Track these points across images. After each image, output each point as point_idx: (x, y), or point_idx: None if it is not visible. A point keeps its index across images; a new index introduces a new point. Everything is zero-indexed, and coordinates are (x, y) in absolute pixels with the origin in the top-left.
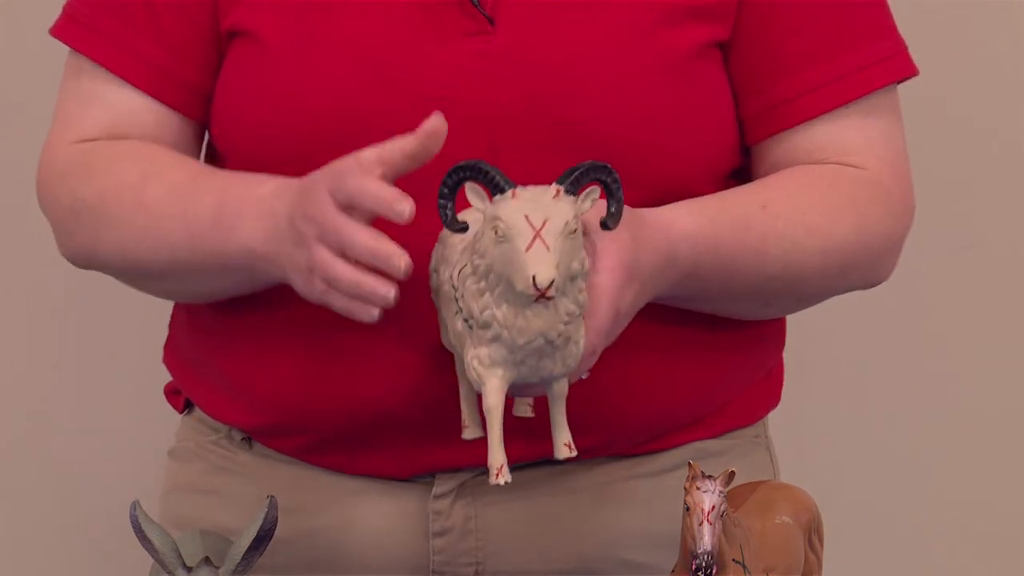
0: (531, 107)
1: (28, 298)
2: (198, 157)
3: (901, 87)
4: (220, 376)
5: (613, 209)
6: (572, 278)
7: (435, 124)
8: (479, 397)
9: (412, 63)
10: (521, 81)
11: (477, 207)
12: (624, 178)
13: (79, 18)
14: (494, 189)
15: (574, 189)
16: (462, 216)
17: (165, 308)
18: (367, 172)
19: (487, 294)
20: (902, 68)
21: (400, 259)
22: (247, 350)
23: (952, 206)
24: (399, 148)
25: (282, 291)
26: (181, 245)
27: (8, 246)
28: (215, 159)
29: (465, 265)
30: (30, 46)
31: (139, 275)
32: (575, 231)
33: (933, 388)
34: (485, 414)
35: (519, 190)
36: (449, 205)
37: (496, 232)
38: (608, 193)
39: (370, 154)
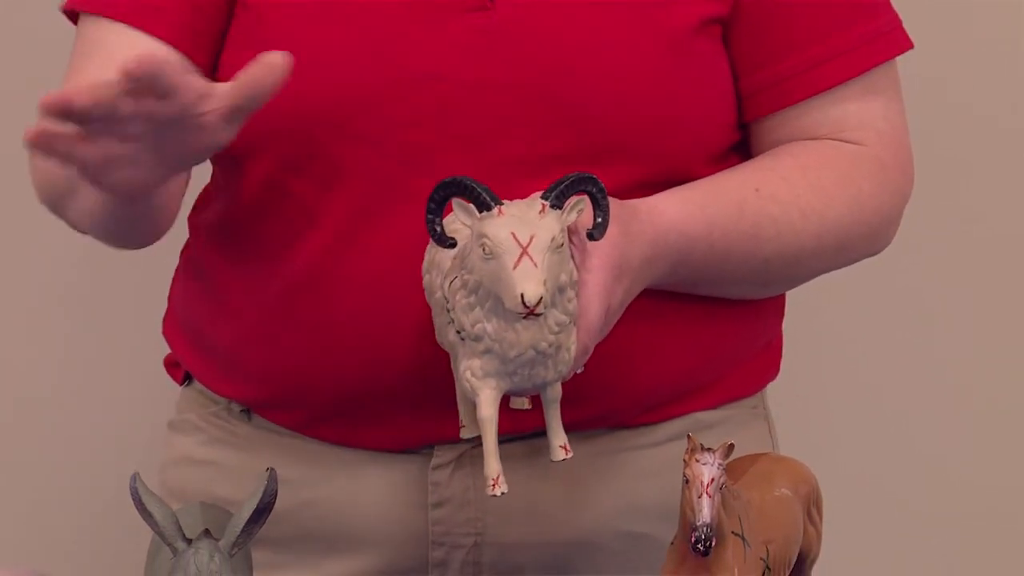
0: (530, 83)
1: (28, 272)
2: None
3: (904, 69)
4: (218, 348)
5: (600, 220)
6: (560, 290)
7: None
8: (496, 436)
9: (410, 39)
10: (520, 57)
11: (465, 224)
12: (623, 154)
13: None
14: (480, 206)
15: (560, 202)
16: (448, 220)
17: (165, 279)
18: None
19: (477, 308)
20: (898, 44)
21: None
22: (244, 323)
23: (955, 182)
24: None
25: (280, 266)
26: None
27: (7, 221)
28: None
29: (455, 279)
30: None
31: (53, 202)
32: (562, 245)
33: (933, 362)
34: (479, 424)
35: (505, 206)
36: (437, 220)
37: (484, 249)
38: (594, 204)
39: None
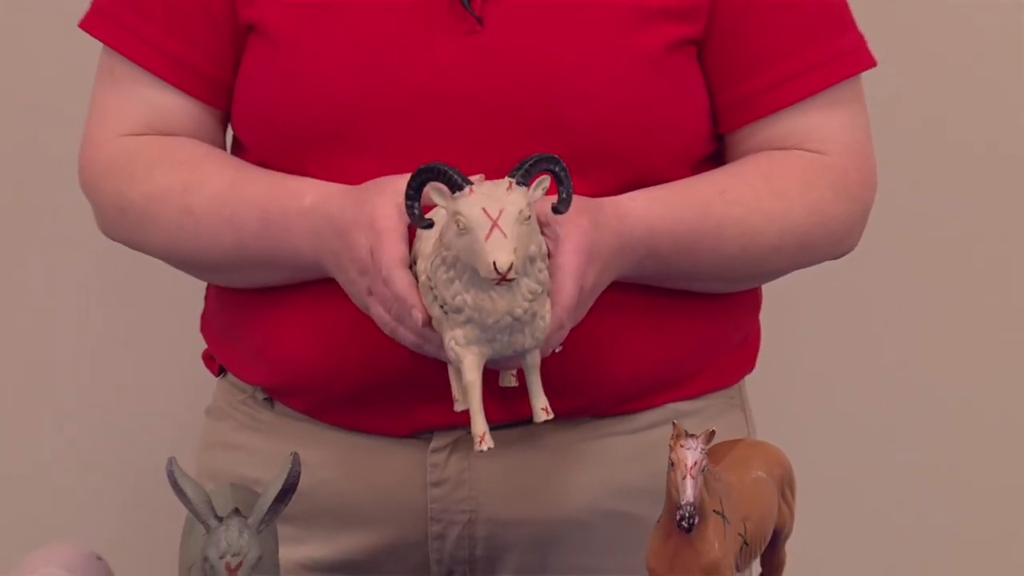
0: (518, 98)
1: (84, 274)
2: (224, 141)
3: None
4: (245, 342)
5: (564, 195)
6: (531, 260)
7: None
8: (480, 398)
9: (408, 59)
10: (509, 76)
11: (440, 204)
12: (605, 163)
13: (106, 12)
14: (453, 187)
15: (526, 180)
16: (431, 215)
17: (202, 284)
18: (397, 263)
19: (456, 281)
20: (861, 61)
21: (416, 314)
22: (267, 320)
23: (921, 183)
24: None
25: (295, 270)
26: (229, 249)
27: (64, 223)
28: (237, 147)
29: (436, 257)
30: (62, 37)
31: (186, 267)
32: (529, 217)
33: (901, 357)
34: (465, 388)
35: (475, 186)
36: (415, 205)
37: (458, 225)
38: (558, 181)
39: (399, 252)
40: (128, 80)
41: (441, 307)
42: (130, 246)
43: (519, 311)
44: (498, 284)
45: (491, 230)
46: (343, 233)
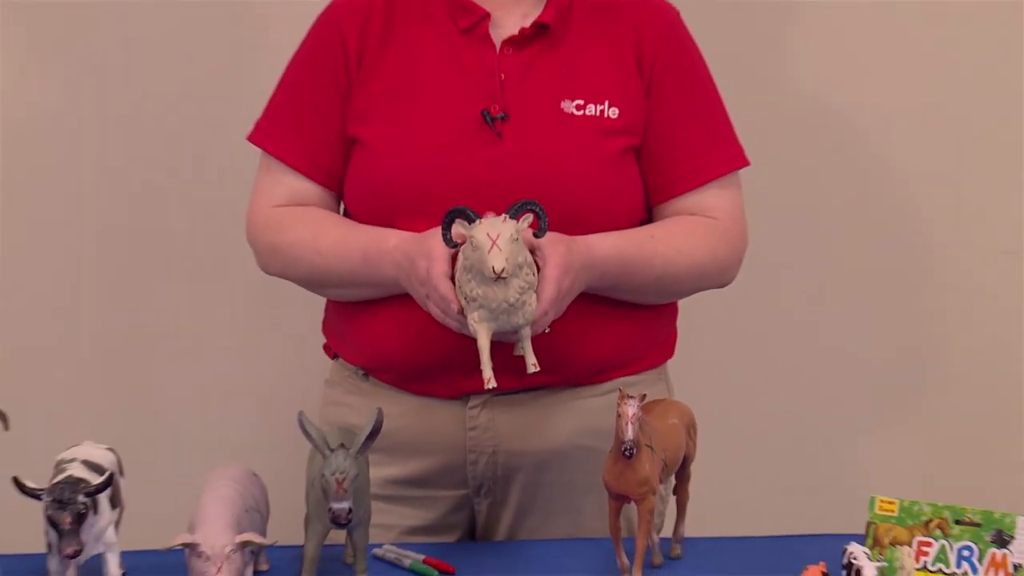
0: (524, 185)
1: (255, 298)
2: (338, 208)
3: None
4: (350, 337)
5: (542, 225)
6: (519, 267)
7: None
8: (488, 354)
9: (455, 159)
10: (518, 170)
11: (461, 230)
12: (580, 221)
13: (264, 130)
14: (469, 220)
15: (516, 215)
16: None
17: (323, 299)
18: (442, 276)
19: (472, 280)
20: (739, 161)
21: (453, 305)
22: (364, 323)
23: (780, 235)
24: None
25: (389, 298)
26: (343, 276)
27: (240, 264)
28: (346, 212)
29: (460, 265)
30: (236, 143)
31: (314, 288)
32: (517, 239)
33: (764, 349)
34: (479, 350)
35: (483, 219)
36: (447, 233)
37: (472, 244)
38: (538, 217)
39: (443, 270)
40: (277, 171)
41: (464, 298)
42: (280, 276)
43: (512, 299)
44: (496, 281)
45: (491, 247)
46: (411, 261)
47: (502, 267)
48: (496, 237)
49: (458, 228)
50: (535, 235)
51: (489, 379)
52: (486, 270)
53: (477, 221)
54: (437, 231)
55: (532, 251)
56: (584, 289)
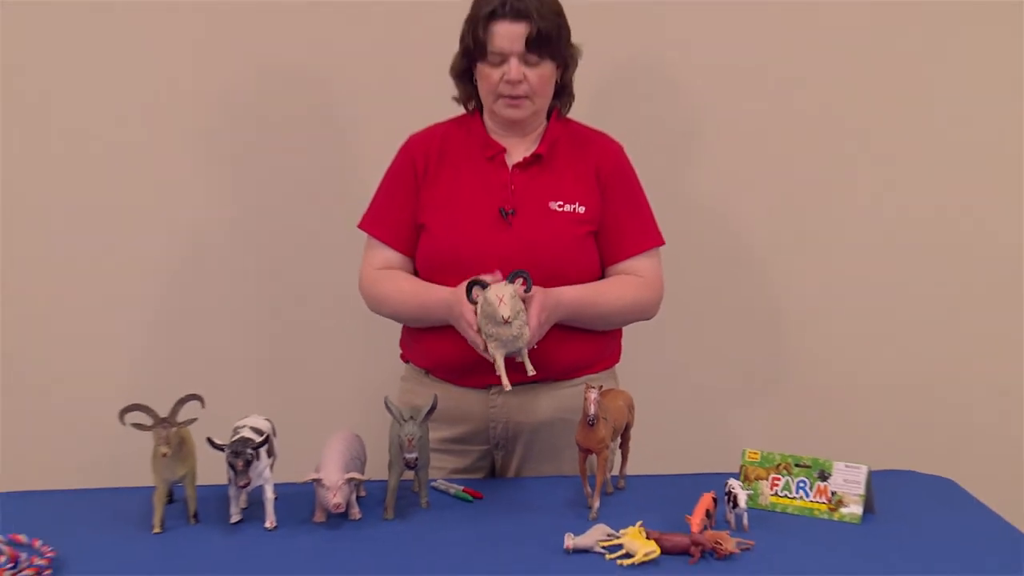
0: (525, 257)
1: (363, 327)
2: (414, 270)
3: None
4: (416, 346)
5: (528, 285)
6: (517, 313)
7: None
8: (504, 368)
9: (481, 238)
10: (522, 247)
11: (480, 293)
12: (557, 279)
13: (369, 219)
14: (484, 286)
15: (513, 279)
16: (479, 299)
17: (400, 325)
18: (471, 323)
19: (489, 324)
20: (657, 241)
21: (479, 341)
22: (425, 339)
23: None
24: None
25: (440, 326)
26: (414, 311)
27: (350, 311)
28: (419, 274)
29: (481, 314)
30: (346, 226)
31: (397, 319)
32: (515, 295)
33: (680, 351)
34: (496, 368)
35: (493, 284)
36: (469, 294)
37: (487, 301)
38: (526, 280)
39: (471, 317)
40: (378, 247)
41: (485, 335)
42: (376, 313)
43: (515, 333)
44: (504, 324)
45: (500, 302)
46: (450, 308)
47: (508, 315)
48: (502, 296)
49: (476, 291)
50: (525, 291)
51: (506, 384)
52: (497, 317)
53: (489, 286)
54: (463, 286)
55: (523, 301)
56: (557, 321)
